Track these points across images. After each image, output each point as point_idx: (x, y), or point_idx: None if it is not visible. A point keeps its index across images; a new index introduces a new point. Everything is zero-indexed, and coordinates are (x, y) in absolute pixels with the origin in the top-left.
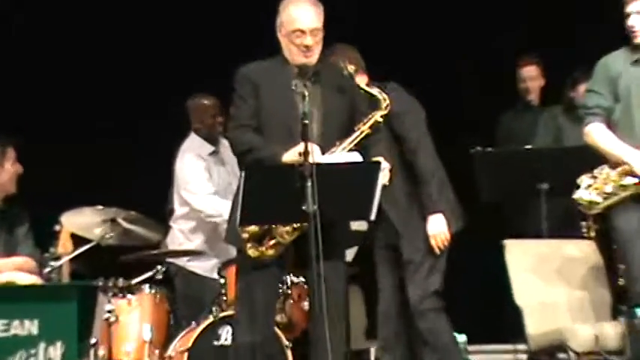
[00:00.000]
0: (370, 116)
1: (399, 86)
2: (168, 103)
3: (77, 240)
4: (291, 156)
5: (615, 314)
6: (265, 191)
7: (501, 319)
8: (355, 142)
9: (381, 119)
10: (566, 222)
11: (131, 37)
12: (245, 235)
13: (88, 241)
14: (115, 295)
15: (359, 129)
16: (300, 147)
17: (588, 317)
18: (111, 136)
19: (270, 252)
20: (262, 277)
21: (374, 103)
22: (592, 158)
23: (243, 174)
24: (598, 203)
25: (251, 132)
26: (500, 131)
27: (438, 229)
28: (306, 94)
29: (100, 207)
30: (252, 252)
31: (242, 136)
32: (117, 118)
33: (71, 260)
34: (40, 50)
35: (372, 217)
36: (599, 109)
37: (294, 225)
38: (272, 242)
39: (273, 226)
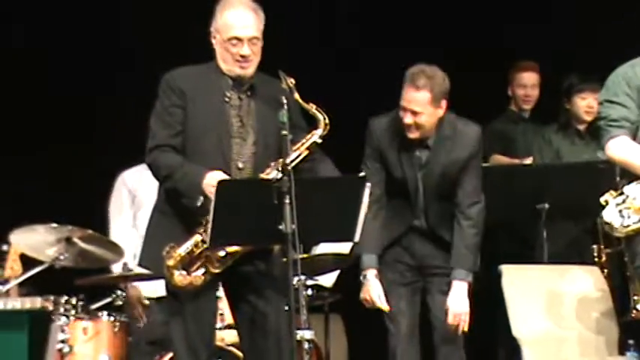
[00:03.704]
0: (308, 137)
1: None
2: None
3: (27, 261)
4: (210, 181)
5: (623, 349)
6: (238, 208)
7: (495, 353)
8: (292, 164)
9: (320, 140)
10: (568, 247)
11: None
12: (170, 262)
13: (39, 262)
14: (67, 317)
15: (296, 149)
16: (219, 175)
17: (594, 351)
18: (67, 144)
19: (199, 282)
20: (196, 305)
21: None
22: (595, 175)
23: (215, 188)
24: (628, 225)
25: (171, 153)
26: (492, 143)
27: None
28: (284, 101)
29: (54, 225)
30: (179, 280)
31: (162, 160)
32: (75, 122)
33: (20, 284)
34: None
35: (356, 238)
36: (627, 121)
37: (228, 251)
38: (200, 272)
39: (205, 252)
